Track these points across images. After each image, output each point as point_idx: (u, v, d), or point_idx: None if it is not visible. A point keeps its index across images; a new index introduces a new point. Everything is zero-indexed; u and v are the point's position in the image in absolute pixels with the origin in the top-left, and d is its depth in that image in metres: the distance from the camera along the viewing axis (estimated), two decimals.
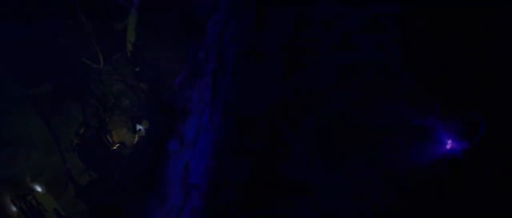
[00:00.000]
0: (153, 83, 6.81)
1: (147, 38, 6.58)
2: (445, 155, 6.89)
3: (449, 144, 6.76)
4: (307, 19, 10.21)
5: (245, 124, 10.53)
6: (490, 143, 8.11)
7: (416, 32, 9.27)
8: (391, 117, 9.37)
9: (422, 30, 9.06)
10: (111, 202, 6.10)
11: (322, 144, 9.83)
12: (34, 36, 5.74)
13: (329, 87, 10.14)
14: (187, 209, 7.93)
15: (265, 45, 10.44)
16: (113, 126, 6.31)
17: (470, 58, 8.57)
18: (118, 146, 6.32)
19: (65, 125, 6.04)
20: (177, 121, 7.15)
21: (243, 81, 9.91)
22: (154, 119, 6.79)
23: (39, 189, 5.57)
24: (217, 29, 8.17)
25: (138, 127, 6.45)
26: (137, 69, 6.55)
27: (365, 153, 9.56)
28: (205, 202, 8.85)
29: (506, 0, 7.69)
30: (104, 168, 6.27)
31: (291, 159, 9.89)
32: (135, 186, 6.41)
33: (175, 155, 7.16)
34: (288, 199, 9.71)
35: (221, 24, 8.32)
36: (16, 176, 5.52)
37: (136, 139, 6.45)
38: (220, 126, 9.17)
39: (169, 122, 7.01)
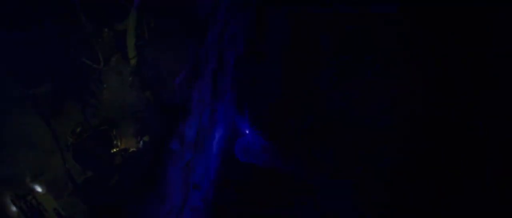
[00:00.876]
0: (153, 83, 6.80)
1: (147, 38, 6.57)
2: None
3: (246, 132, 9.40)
4: (307, 19, 10.21)
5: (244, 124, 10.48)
6: (490, 143, 8.10)
7: (416, 32, 9.24)
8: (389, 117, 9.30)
9: (422, 30, 9.04)
10: (111, 202, 6.09)
11: (322, 144, 9.81)
12: (34, 36, 5.72)
13: (329, 87, 10.14)
14: (187, 209, 7.94)
15: (265, 45, 10.44)
16: (118, 131, 6.33)
17: (470, 58, 8.56)
18: (120, 150, 6.34)
19: (65, 125, 6.02)
20: (177, 120, 7.15)
21: (243, 81, 9.93)
22: (154, 119, 6.78)
23: (39, 189, 5.56)
24: (217, 29, 8.18)
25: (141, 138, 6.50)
26: (136, 79, 6.58)
27: (364, 152, 9.51)
28: (205, 202, 8.86)
29: (506, 0, 7.69)
30: (103, 168, 6.26)
31: (292, 159, 9.89)
32: (135, 186, 6.40)
33: (175, 155, 7.16)
34: (288, 199, 9.73)
35: (221, 24, 8.33)
36: (16, 176, 5.51)
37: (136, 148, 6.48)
38: (220, 126, 9.18)
39: (169, 122, 7.01)
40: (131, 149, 6.41)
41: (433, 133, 8.95)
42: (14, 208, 5.36)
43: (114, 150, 6.26)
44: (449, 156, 8.67)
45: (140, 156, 6.51)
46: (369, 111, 9.58)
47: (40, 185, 5.57)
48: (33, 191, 5.51)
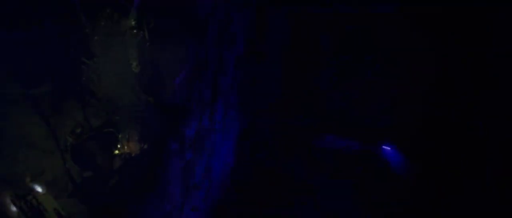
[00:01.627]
0: (153, 83, 6.81)
1: (147, 39, 6.58)
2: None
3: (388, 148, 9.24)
4: (307, 19, 10.21)
5: (245, 124, 10.50)
6: (490, 143, 8.10)
7: (416, 32, 9.23)
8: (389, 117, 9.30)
9: (422, 30, 9.03)
10: (111, 202, 6.09)
11: (322, 144, 9.77)
12: (34, 36, 5.73)
13: (329, 87, 10.14)
14: (187, 209, 7.93)
15: (265, 45, 10.44)
16: (120, 133, 6.35)
17: (470, 58, 8.56)
18: (123, 153, 6.36)
19: (65, 125, 6.03)
20: (177, 121, 7.15)
21: (243, 81, 9.92)
22: (154, 119, 6.79)
23: (39, 189, 5.57)
24: (217, 29, 8.18)
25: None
26: (136, 79, 6.58)
27: (364, 152, 9.50)
28: (205, 202, 8.86)
29: (506, 0, 7.68)
30: (102, 169, 6.27)
31: (292, 159, 9.89)
32: (135, 186, 6.40)
33: (175, 155, 7.16)
34: (288, 199, 9.73)
35: (221, 24, 8.33)
36: (16, 176, 5.52)
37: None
38: (220, 126, 9.18)
39: (169, 122, 7.01)
40: (133, 152, 6.43)
41: (433, 133, 8.95)
42: (14, 208, 5.37)
43: (116, 152, 6.29)
44: (449, 156, 8.67)
45: (140, 157, 6.52)
46: (369, 111, 9.59)
47: (40, 185, 5.58)
48: (33, 191, 5.52)
